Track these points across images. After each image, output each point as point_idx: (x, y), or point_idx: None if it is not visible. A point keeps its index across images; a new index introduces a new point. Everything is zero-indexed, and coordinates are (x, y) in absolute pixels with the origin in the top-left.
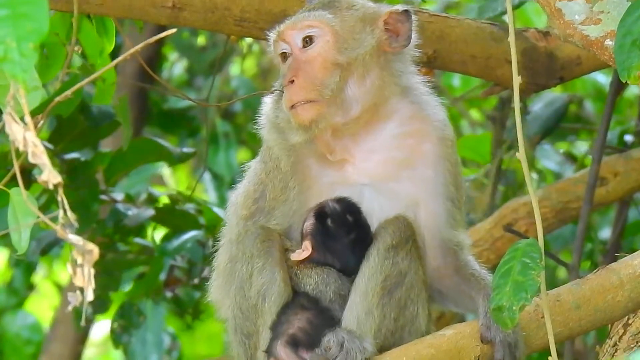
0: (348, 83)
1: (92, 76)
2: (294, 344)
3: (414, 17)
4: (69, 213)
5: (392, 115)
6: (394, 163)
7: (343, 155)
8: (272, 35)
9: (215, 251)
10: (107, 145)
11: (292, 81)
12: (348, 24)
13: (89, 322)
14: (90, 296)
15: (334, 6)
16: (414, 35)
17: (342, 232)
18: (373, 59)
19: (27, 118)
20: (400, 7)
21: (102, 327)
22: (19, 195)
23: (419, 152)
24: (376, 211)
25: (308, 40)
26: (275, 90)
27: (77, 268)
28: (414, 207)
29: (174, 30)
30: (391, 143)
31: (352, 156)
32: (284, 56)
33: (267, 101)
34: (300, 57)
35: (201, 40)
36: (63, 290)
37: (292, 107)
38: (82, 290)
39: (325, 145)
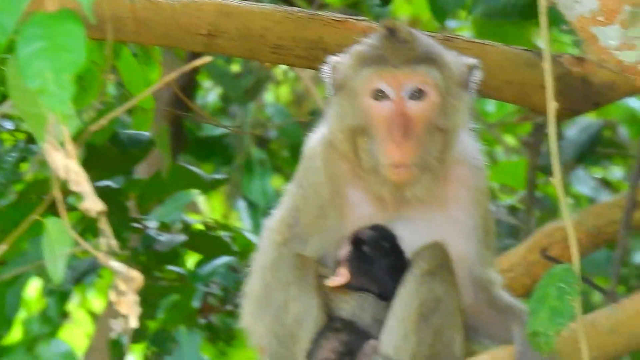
0: (444, 149)
1: (128, 104)
2: None
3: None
4: (111, 240)
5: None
6: (432, 204)
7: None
8: (372, 71)
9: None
10: (140, 172)
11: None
12: (449, 86)
13: (126, 350)
14: (134, 323)
15: (436, 62)
16: (474, 85)
17: (378, 258)
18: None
19: (68, 146)
20: (469, 60)
21: (136, 357)
22: (56, 225)
23: (454, 197)
24: (406, 245)
25: (417, 95)
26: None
27: (120, 295)
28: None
29: (209, 58)
30: (436, 187)
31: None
32: (378, 95)
33: (328, 123)
34: (405, 109)
35: (235, 67)
36: (97, 318)
37: (396, 165)
38: (125, 317)
39: (387, 195)
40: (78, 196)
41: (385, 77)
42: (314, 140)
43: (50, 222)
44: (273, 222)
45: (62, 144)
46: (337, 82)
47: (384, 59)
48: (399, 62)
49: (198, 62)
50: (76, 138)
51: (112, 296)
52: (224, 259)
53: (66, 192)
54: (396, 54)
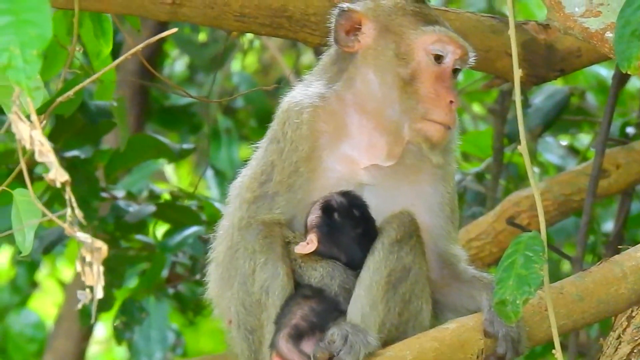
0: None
1: (93, 77)
2: (297, 335)
3: None
4: (77, 211)
5: None
6: (402, 175)
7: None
8: (443, 32)
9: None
10: (108, 142)
11: (451, 102)
12: None
13: (94, 320)
14: (100, 294)
15: None
16: None
17: (349, 226)
18: None
19: (33, 117)
20: None
21: (105, 325)
22: (23, 196)
23: (426, 172)
24: (374, 213)
25: (459, 68)
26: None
27: (86, 266)
28: None
29: (175, 29)
30: (408, 159)
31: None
32: (438, 58)
33: (315, 80)
34: (453, 80)
35: (202, 36)
36: (66, 287)
37: (445, 125)
38: (91, 288)
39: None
40: (45, 166)
41: (453, 43)
42: (298, 96)
43: (17, 194)
44: (242, 180)
45: (27, 116)
46: (382, 23)
47: (446, 26)
48: (458, 34)
49: (165, 34)
50: (44, 109)
51: (78, 267)
52: (193, 229)
53: (34, 162)
54: (446, 24)
